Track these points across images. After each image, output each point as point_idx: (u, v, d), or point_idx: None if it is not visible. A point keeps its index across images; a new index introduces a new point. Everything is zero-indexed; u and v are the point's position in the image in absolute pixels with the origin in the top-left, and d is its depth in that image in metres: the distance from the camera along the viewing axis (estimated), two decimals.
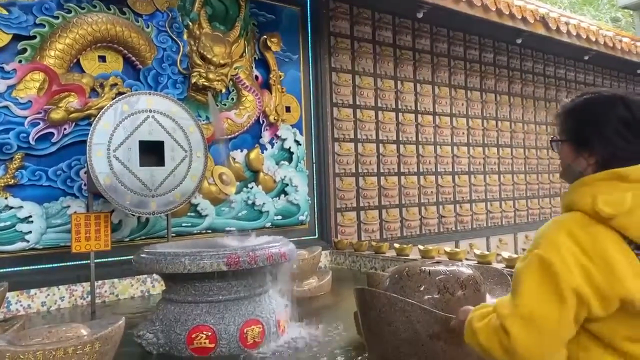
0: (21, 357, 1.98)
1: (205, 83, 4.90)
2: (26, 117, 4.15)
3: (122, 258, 4.35)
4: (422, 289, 1.99)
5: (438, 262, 2.17)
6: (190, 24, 5.01)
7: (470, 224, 7.76)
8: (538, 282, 1.20)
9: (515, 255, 4.35)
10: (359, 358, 2.80)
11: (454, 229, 7.52)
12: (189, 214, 4.96)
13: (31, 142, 4.17)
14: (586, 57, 8.79)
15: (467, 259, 4.61)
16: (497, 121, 8.31)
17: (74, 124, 4.36)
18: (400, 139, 6.93)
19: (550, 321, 1.18)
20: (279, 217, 5.60)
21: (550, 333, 1.18)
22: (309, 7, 6.01)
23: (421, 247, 5.08)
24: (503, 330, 1.23)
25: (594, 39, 8.12)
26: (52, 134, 4.27)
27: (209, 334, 2.90)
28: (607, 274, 1.16)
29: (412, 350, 1.91)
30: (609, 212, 1.18)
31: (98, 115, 3.99)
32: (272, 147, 5.62)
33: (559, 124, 1.38)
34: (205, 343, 2.90)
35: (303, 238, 5.66)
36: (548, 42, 7.79)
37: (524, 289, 1.22)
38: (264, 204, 5.47)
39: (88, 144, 3.88)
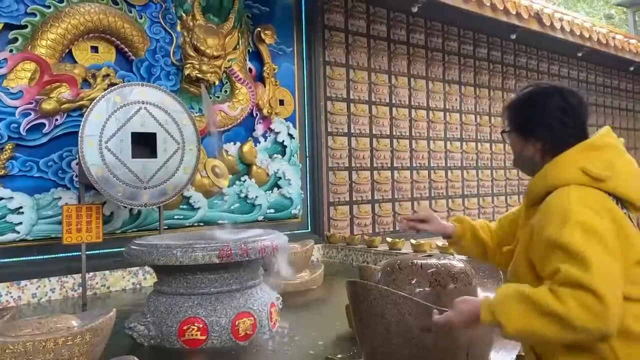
0: (11, 347, 1.97)
1: (199, 75, 4.87)
2: (17, 107, 4.11)
3: (113, 250, 4.32)
4: (413, 281, 2.00)
5: (430, 256, 2.18)
6: (183, 15, 4.97)
7: None
8: (593, 244, 1.23)
9: None
10: (351, 351, 2.80)
11: None
12: (181, 206, 4.94)
13: (22, 132, 4.13)
14: (580, 54, 8.83)
15: (458, 253, 4.62)
16: (491, 117, 8.33)
17: (65, 114, 4.33)
18: (394, 133, 6.93)
19: (619, 277, 1.23)
20: (272, 211, 5.59)
21: (620, 288, 1.23)
22: (303, 0, 5.98)
23: (413, 241, 5.09)
24: (592, 294, 1.18)
25: (587, 36, 8.15)
26: (43, 124, 4.23)
27: (201, 326, 2.90)
28: (620, 230, 1.30)
29: (404, 342, 1.91)
30: (606, 174, 1.33)
31: (90, 107, 3.96)
32: (266, 141, 5.61)
33: (507, 117, 1.53)
34: (196, 335, 2.90)
35: (296, 231, 5.66)
36: (542, 38, 7.81)
37: (587, 253, 1.22)
38: (256, 197, 5.45)
39: (80, 135, 3.85)
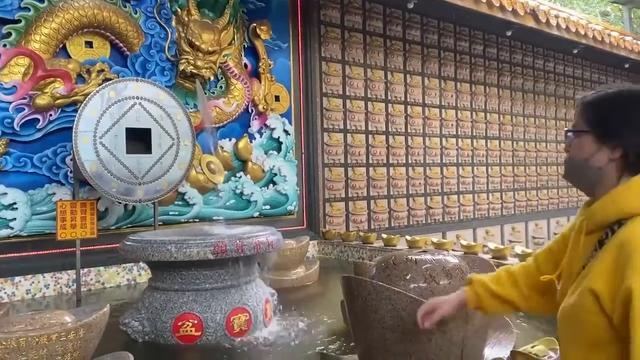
0: (4, 343, 1.96)
1: (194, 70, 4.85)
2: (10, 103, 4.09)
3: (108, 246, 4.31)
4: (408, 277, 2.00)
5: (424, 252, 2.18)
6: (178, 10, 4.95)
7: (457, 216, 7.80)
8: None
9: (501, 247, 4.38)
10: (345, 346, 2.81)
11: (441, 220, 7.55)
12: (176, 202, 4.93)
13: (16, 127, 4.11)
14: (575, 51, 8.83)
15: (453, 250, 4.64)
16: (486, 113, 8.34)
17: (59, 110, 4.31)
18: (390, 130, 6.93)
19: None
20: (267, 207, 5.59)
21: None
22: None
23: (408, 237, 5.10)
24: None
25: (583, 33, 8.15)
26: (37, 119, 4.21)
27: (195, 322, 2.90)
28: None
29: (398, 338, 1.92)
30: None
31: (84, 102, 3.94)
32: (261, 137, 5.59)
33: (583, 115, 1.27)
34: (191, 331, 2.89)
35: (291, 228, 5.65)
36: (537, 34, 7.80)
37: None
38: (252, 193, 5.45)
39: (74, 130, 3.84)
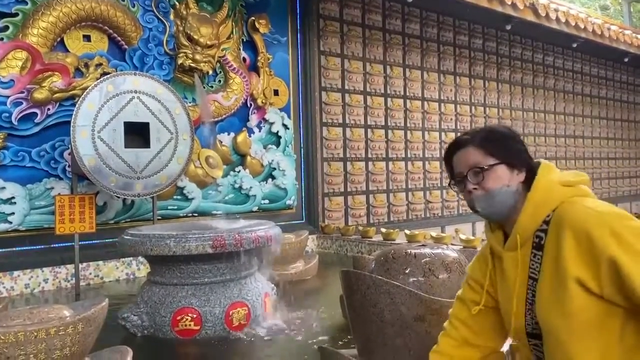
0: (2, 338, 1.95)
1: (192, 64, 4.84)
2: (8, 97, 4.08)
3: (107, 240, 4.31)
4: (407, 271, 2.00)
5: (423, 246, 2.18)
6: (177, 3, 4.92)
7: (456, 210, 7.80)
8: None
9: None
10: (344, 340, 2.81)
11: (440, 214, 7.56)
12: (175, 197, 4.92)
13: (14, 122, 4.10)
14: (575, 45, 8.82)
15: (452, 244, 4.64)
16: (485, 107, 8.33)
17: (57, 104, 4.29)
18: (389, 124, 6.92)
19: None
20: (266, 201, 5.58)
21: None
22: None
23: (407, 232, 5.10)
24: None
25: (582, 27, 8.13)
26: (35, 114, 4.19)
27: (194, 316, 2.90)
28: None
29: (397, 332, 1.91)
30: (580, 178, 1.40)
31: (82, 96, 3.92)
32: (260, 131, 5.58)
33: (485, 151, 1.41)
34: (190, 325, 2.89)
35: (290, 222, 5.66)
36: (537, 28, 7.78)
37: None
38: (251, 187, 5.44)
39: (72, 124, 3.82)
